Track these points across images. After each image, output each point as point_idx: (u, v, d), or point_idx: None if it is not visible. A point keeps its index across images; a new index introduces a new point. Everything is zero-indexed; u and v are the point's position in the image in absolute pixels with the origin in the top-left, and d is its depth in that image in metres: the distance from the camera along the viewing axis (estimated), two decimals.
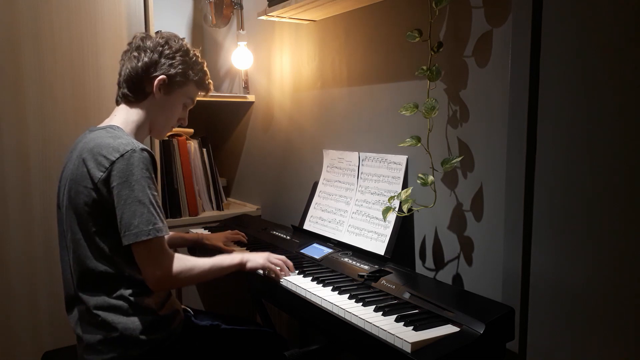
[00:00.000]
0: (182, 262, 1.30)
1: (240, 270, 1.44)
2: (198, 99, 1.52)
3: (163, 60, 1.37)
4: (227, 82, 2.54)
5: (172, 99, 1.42)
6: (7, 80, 1.70)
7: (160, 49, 1.38)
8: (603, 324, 1.07)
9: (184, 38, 1.45)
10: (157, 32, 1.47)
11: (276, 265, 1.46)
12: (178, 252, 1.34)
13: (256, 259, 1.45)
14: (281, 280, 1.43)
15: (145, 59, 1.36)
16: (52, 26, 1.76)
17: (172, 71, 1.38)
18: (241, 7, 2.31)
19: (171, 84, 1.39)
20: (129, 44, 1.41)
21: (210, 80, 1.50)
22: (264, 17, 1.82)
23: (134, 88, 1.38)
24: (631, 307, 1.02)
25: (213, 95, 2.30)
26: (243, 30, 2.31)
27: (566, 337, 1.14)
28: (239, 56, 2.27)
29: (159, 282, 1.26)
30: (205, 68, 1.48)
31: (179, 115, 1.47)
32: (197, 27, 2.63)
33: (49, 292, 1.81)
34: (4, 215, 1.73)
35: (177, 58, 1.39)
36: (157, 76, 1.37)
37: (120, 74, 1.41)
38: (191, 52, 1.43)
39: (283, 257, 1.49)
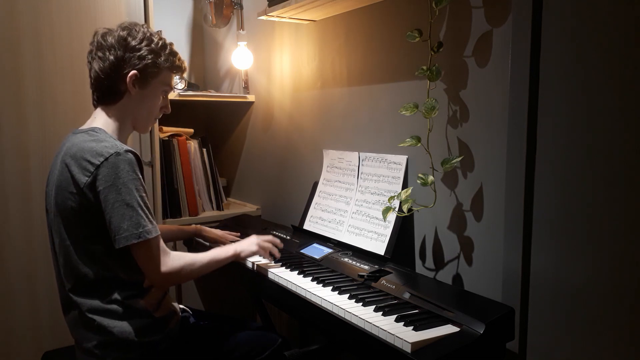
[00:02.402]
0: (183, 258, 1.31)
1: (237, 260, 1.47)
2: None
3: (129, 55, 1.30)
4: (227, 82, 2.54)
5: (149, 91, 1.36)
6: (7, 80, 1.70)
7: (124, 42, 1.30)
8: (603, 323, 1.07)
9: (144, 24, 1.38)
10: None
11: (266, 248, 1.51)
12: (176, 247, 1.35)
13: (248, 247, 1.49)
14: (281, 280, 1.44)
15: (111, 58, 1.29)
16: (52, 26, 1.77)
17: (142, 64, 1.31)
18: (241, 7, 2.31)
19: (144, 76, 1.33)
20: (91, 42, 1.34)
21: (182, 60, 1.43)
22: (264, 17, 1.82)
23: (107, 90, 1.33)
24: (631, 307, 1.02)
25: (213, 95, 2.31)
26: (243, 30, 2.31)
27: (566, 337, 1.14)
28: (239, 56, 2.27)
29: (164, 279, 1.27)
30: (174, 49, 1.40)
31: (161, 105, 1.42)
32: (197, 27, 2.63)
33: (49, 292, 1.81)
34: (4, 215, 1.73)
35: (144, 48, 1.32)
36: (128, 72, 1.31)
37: (90, 77, 1.35)
38: (155, 37, 1.35)
39: (270, 237, 1.55)
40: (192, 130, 2.28)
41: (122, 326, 1.25)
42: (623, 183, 1.02)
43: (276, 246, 1.55)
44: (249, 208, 2.38)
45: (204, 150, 2.27)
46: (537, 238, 1.18)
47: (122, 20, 1.88)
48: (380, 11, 1.62)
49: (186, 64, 1.47)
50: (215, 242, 1.77)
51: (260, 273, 1.53)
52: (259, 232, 1.92)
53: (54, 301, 1.81)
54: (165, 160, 2.11)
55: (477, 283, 1.37)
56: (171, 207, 2.13)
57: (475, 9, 1.31)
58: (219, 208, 2.30)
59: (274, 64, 2.18)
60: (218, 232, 1.83)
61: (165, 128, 2.17)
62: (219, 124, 2.63)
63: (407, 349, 1.02)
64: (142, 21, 1.93)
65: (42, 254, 1.80)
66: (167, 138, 2.13)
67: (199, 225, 1.84)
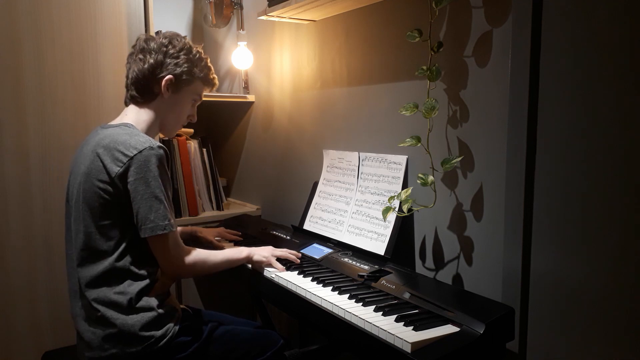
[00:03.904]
0: (197, 254, 1.40)
1: (248, 263, 1.54)
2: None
3: (168, 60, 1.41)
4: (227, 82, 2.54)
5: (180, 97, 1.46)
6: (8, 80, 1.70)
7: (165, 49, 1.41)
8: (603, 323, 1.07)
9: (185, 36, 1.48)
10: (157, 32, 1.50)
11: (279, 256, 1.54)
12: None
13: (261, 252, 1.54)
14: (281, 280, 1.44)
15: (151, 61, 1.39)
16: (52, 26, 1.76)
17: (178, 70, 1.41)
18: (241, 7, 2.31)
19: (178, 82, 1.43)
20: (133, 46, 1.44)
21: (214, 76, 1.53)
22: (264, 17, 1.82)
23: (142, 90, 1.41)
24: (630, 307, 1.03)
25: (213, 95, 2.31)
26: (243, 30, 2.31)
27: (566, 337, 1.14)
28: (239, 56, 2.27)
29: (177, 271, 1.36)
30: (209, 64, 1.51)
31: (188, 113, 1.52)
32: (197, 27, 2.63)
33: (49, 292, 1.81)
34: (3, 214, 1.73)
35: (182, 57, 1.42)
36: (164, 76, 1.40)
37: (127, 77, 1.44)
38: (194, 49, 1.46)
39: (286, 250, 1.57)
40: (192, 130, 2.29)
41: (125, 319, 1.28)
42: (623, 183, 1.02)
43: (291, 261, 1.54)
44: (249, 208, 2.38)
45: (204, 150, 2.27)
46: (537, 238, 1.18)
47: (122, 21, 1.90)
48: (380, 11, 1.62)
49: (217, 79, 1.57)
50: (209, 244, 1.78)
51: (260, 273, 1.53)
52: (259, 232, 1.92)
53: (54, 301, 1.82)
54: None
55: (477, 283, 1.37)
56: None
57: (475, 9, 1.32)
58: (219, 208, 2.30)
59: (274, 64, 2.18)
60: (213, 233, 1.84)
61: None
62: (219, 124, 2.63)
63: (407, 349, 1.02)
64: (142, 21, 1.93)
65: (42, 253, 1.80)
66: (167, 138, 2.13)
67: (194, 227, 1.85)
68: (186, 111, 1.50)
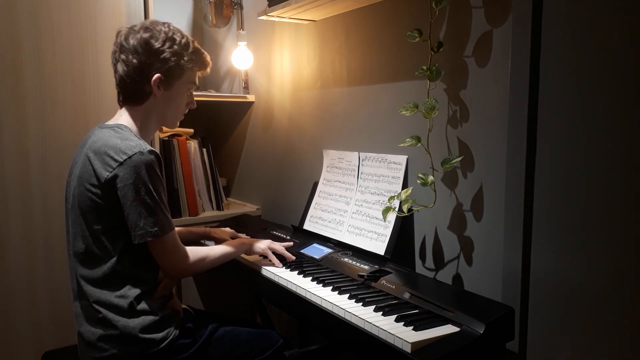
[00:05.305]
0: (196, 253, 1.40)
1: (246, 253, 1.59)
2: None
3: (153, 59, 1.32)
4: (227, 82, 2.54)
5: (174, 91, 1.39)
6: (8, 80, 1.70)
7: (146, 46, 1.31)
8: (603, 323, 1.07)
9: (165, 23, 1.37)
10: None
11: (275, 250, 1.58)
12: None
13: (259, 244, 1.59)
14: (281, 280, 1.44)
15: (135, 62, 1.31)
16: (52, 26, 1.76)
17: (166, 67, 1.33)
18: (241, 7, 2.31)
19: (168, 79, 1.35)
20: (114, 43, 1.36)
21: (205, 54, 1.44)
22: (264, 17, 1.82)
23: (132, 92, 1.36)
24: (631, 307, 1.02)
25: (213, 96, 2.31)
26: (243, 30, 2.31)
27: (566, 337, 1.14)
28: (239, 56, 2.27)
29: (178, 273, 1.37)
30: (197, 46, 1.41)
31: (186, 101, 1.45)
32: (197, 27, 2.63)
33: (49, 292, 1.81)
34: (3, 215, 1.73)
35: (167, 50, 1.32)
36: (152, 76, 1.33)
37: (115, 77, 1.37)
38: (177, 36, 1.36)
39: (282, 249, 1.59)
40: (192, 130, 2.28)
41: (126, 321, 1.28)
42: (623, 183, 1.02)
43: (286, 259, 1.57)
44: (249, 208, 2.37)
45: (204, 150, 2.27)
46: (537, 238, 1.18)
47: (122, 21, 1.90)
48: (380, 11, 1.62)
49: (209, 57, 1.47)
50: None
51: (260, 273, 1.53)
52: (259, 232, 1.92)
53: (54, 301, 1.82)
54: (165, 160, 2.11)
55: (477, 283, 1.37)
56: (171, 207, 2.12)
57: (475, 9, 1.31)
58: (219, 208, 2.30)
59: (274, 64, 2.18)
60: (229, 233, 1.84)
61: (165, 128, 2.16)
62: (219, 124, 2.63)
63: (407, 349, 1.02)
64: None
65: (42, 253, 1.80)
66: (167, 138, 2.13)
67: (208, 228, 1.85)
68: (184, 102, 1.43)
